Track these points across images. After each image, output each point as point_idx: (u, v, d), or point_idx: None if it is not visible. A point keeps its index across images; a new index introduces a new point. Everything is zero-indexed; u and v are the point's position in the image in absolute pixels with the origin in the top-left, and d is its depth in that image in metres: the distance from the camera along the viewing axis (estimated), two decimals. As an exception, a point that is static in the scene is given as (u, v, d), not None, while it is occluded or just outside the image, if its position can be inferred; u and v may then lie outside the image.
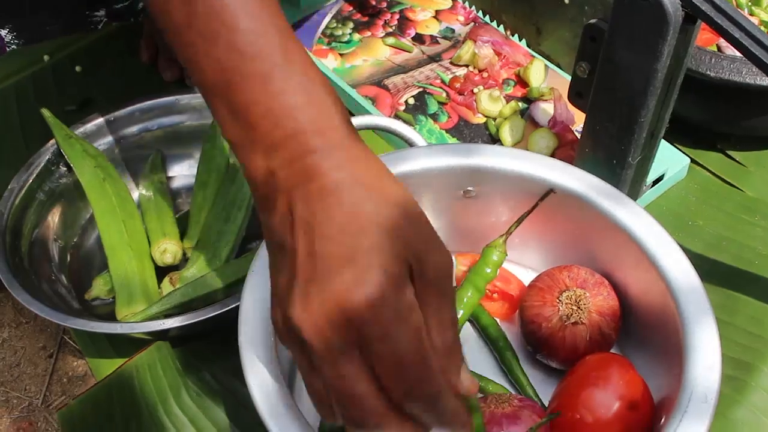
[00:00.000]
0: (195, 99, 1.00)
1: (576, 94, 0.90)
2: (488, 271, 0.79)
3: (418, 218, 0.58)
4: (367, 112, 1.06)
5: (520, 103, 1.05)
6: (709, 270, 0.95)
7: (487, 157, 0.81)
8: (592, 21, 0.84)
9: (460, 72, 1.10)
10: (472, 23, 1.16)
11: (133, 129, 1.01)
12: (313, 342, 0.54)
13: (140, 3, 0.83)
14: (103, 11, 0.83)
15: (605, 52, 0.83)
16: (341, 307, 0.53)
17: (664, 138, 0.92)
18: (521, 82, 1.08)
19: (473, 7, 1.01)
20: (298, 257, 0.56)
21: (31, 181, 0.93)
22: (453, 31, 1.15)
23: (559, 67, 0.94)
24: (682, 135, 1.07)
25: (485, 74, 1.09)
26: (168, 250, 0.90)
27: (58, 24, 0.82)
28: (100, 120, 0.99)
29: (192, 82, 0.71)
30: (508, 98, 1.06)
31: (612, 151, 0.88)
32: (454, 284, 0.64)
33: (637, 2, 0.77)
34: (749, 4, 1.15)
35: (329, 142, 0.57)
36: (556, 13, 0.91)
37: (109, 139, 1.00)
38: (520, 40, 0.97)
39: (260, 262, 0.72)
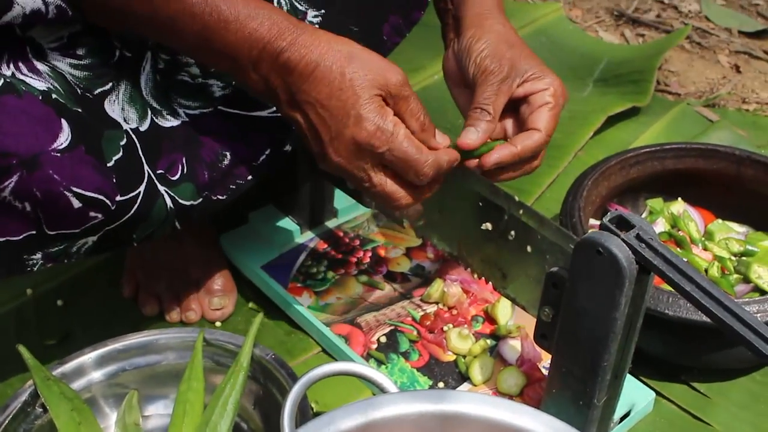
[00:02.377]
0: (173, 339, 1.03)
1: (541, 336, 0.94)
2: None
3: (368, 59, 0.85)
4: (341, 351, 1.09)
5: (488, 341, 1.09)
6: None
7: (456, 403, 0.83)
8: (554, 269, 0.89)
9: (431, 309, 1.14)
10: (441, 260, 1.21)
11: (111, 368, 1.02)
12: (353, 171, 0.88)
13: (74, 246, 0.88)
14: (40, 254, 0.88)
15: (567, 300, 0.87)
16: (356, 145, 0.86)
17: (629, 371, 0.95)
18: (489, 318, 1.12)
19: (441, 249, 1.06)
20: (316, 126, 0.86)
21: (6, 424, 0.93)
22: (423, 268, 1.21)
23: (525, 310, 0.98)
24: (647, 367, 1.11)
25: (454, 311, 1.13)
26: (141, 498, 0.89)
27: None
28: (78, 360, 1.00)
29: (185, 55, 0.92)
30: (477, 335, 1.10)
31: (578, 393, 0.90)
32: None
33: (593, 255, 0.82)
34: (703, 239, 1.22)
35: (288, 41, 0.83)
36: (520, 260, 0.96)
37: (87, 378, 1.01)
38: (487, 283, 1.01)
39: None
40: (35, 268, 0.88)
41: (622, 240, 0.81)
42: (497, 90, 0.99)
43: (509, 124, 1.04)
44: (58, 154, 0.81)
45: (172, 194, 0.92)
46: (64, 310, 1.23)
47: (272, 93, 0.87)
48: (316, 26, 0.93)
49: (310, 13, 0.94)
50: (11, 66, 0.80)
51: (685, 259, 1.15)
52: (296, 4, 0.93)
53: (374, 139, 0.85)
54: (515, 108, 1.03)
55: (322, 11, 0.94)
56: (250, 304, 1.22)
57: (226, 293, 1.20)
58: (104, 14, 0.84)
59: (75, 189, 0.83)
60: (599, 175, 1.20)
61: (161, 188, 0.91)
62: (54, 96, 0.81)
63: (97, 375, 1.02)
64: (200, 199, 0.95)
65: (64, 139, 0.81)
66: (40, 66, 0.82)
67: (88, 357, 1.02)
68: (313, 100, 0.85)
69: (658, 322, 1.02)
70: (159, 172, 0.91)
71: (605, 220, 0.82)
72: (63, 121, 0.81)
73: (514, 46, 1.02)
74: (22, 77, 0.80)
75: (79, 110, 0.84)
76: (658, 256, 0.81)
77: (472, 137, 0.96)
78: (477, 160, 0.97)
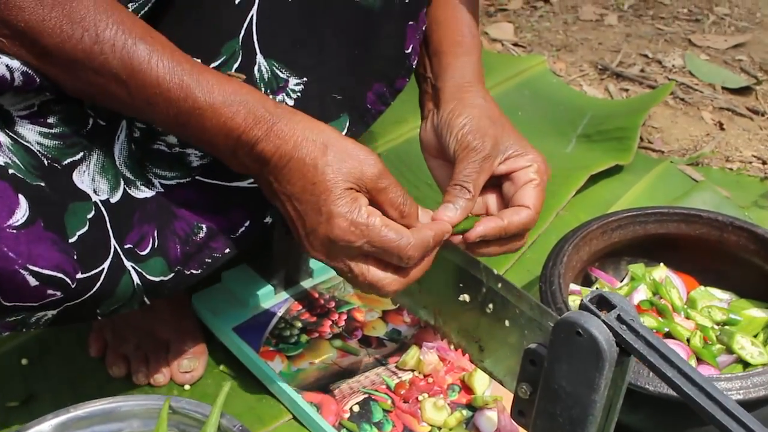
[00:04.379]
0: (137, 406, 0.99)
1: (518, 413, 0.91)
2: None
3: (343, 150, 0.84)
4: (312, 421, 1.05)
5: (464, 411, 1.06)
6: None
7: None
8: (532, 346, 0.86)
9: (406, 377, 1.11)
10: (418, 325, 1.18)
11: (72, 436, 0.99)
12: (333, 264, 0.87)
13: (32, 317, 0.85)
14: None
15: (545, 378, 0.84)
16: (331, 242, 0.84)
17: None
18: (466, 387, 1.09)
19: (418, 318, 1.03)
20: (293, 218, 0.86)
21: (-40, 496, 0.89)
22: (399, 333, 1.17)
23: (502, 384, 0.95)
24: (627, 441, 1.08)
25: (430, 379, 1.10)
26: None
27: None
28: (39, 428, 0.97)
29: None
30: (453, 405, 1.07)
31: (556, 473, 0.87)
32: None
33: (572, 336, 0.79)
34: (685, 307, 1.19)
35: (264, 130, 0.82)
36: (498, 334, 0.93)
37: (47, 447, 0.97)
38: (464, 355, 0.98)
39: None
40: None
41: (603, 321, 0.78)
42: (479, 168, 0.97)
43: (492, 200, 1.02)
44: (14, 231, 0.77)
45: (139, 270, 0.88)
46: (29, 369, 1.19)
47: (253, 177, 0.87)
48: (298, 95, 0.91)
49: (292, 80, 0.91)
50: None
51: (667, 328, 1.13)
52: (277, 71, 0.90)
53: (349, 235, 0.83)
54: (497, 184, 1.01)
55: (304, 79, 0.91)
56: (221, 367, 1.18)
57: (196, 355, 1.17)
58: (82, 93, 0.81)
59: (32, 267, 0.79)
60: (580, 240, 1.17)
61: (127, 264, 0.87)
62: (11, 171, 0.78)
63: (57, 443, 0.98)
64: (172, 275, 0.91)
65: (21, 215, 0.78)
66: (1, 137, 0.78)
67: (49, 424, 0.98)
68: (288, 192, 0.84)
69: (638, 397, 0.99)
70: (127, 246, 0.87)
71: (585, 299, 0.80)
72: (20, 196, 0.78)
73: (496, 122, 0.99)
74: None
75: (42, 184, 0.80)
76: (639, 339, 0.78)
77: (449, 214, 0.93)
78: (460, 236, 0.94)
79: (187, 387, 1.16)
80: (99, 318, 0.90)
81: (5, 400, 1.14)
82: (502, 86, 1.86)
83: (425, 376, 1.11)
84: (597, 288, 1.21)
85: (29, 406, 1.13)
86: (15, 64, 0.76)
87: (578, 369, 0.80)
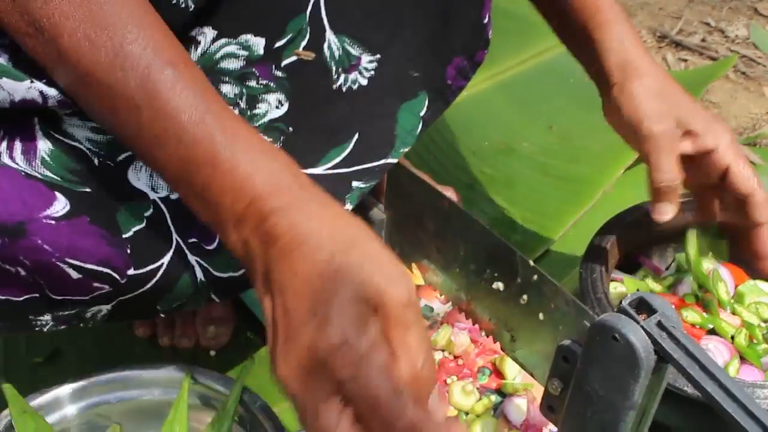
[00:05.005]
0: (159, 374, 0.98)
1: (548, 408, 0.87)
2: None
3: (373, 255, 0.64)
4: (336, 399, 1.03)
5: (493, 397, 1.03)
6: None
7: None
8: (566, 342, 0.83)
9: (436, 357, 1.08)
10: (452, 304, 1.14)
11: (92, 401, 0.97)
12: (297, 395, 0.61)
13: (87, 312, 0.82)
14: (49, 316, 0.81)
15: (577, 378, 0.81)
16: (310, 356, 0.60)
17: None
18: (497, 371, 1.06)
19: (449, 299, 1.00)
20: (277, 319, 0.64)
21: (-23, 456, 0.89)
22: (432, 309, 1.14)
23: (532, 376, 0.92)
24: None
25: (460, 361, 1.07)
26: None
27: (3, 325, 0.81)
28: (59, 391, 0.96)
29: (163, 180, 0.76)
30: (482, 389, 1.04)
31: (583, 475, 0.84)
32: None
33: (608, 341, 0.75)
34: (732, 301, 1.14)
35: (283, 202, 0.66)
36: (531, 326, 0.89)
37: (66, 410, 0.96)
38: (495, 342, 0.95)
39: None
40: (45, 329, 0.81)
41: (641, 327, 0.74)
42: (672, 158, 1.00)
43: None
44: (53, 222, 0.73)
45: (205, 265, 0.81)
46: (55, 325, 1.18)
47: (250, 261, 0.68)
48: (372, 73, 0.83)
49: (365, 58, 0.82)
50: (4, 143, 0.73)
51: (711, 324, 1.08)
52: (349, 48, 0.81)
53: (336, 357, 0.60)
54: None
55: (378, 56, 0.83)
56: (248, 334, 1.16)
57: (224, 321, 1.15)
58: (89, 112, 0.72)
59: (70, 261, 0.75)
60: (626, 226, 1.13)
61: (191, 259, 0.81)
62: (41, 177, 0.74)
63: (77, 407, 0.97)
64: (242, 270, 0.82)
65: (60, 207, 0.73)
66: (40, 144, 0.74)
67: (70, 387, 0.97)
68: (286, 284, 0.64)
69: (676, 397, 0.95)
70: (192, 240, 0.80)
71: (624, 302, 0.75)
72: (56, 192, 0.74)
73: (674, 94, 1.02)
74: (6, 161, 0.73)
75: (87, 190, 0.75)
76: (679, 348, 0.74)
77: (668, 217, 1.04)
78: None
79: (212, 353, 1.14)
80: (162, 315, 0.85)
81: (31, 356, 1.13)
82: (555, 51, 1.78)
83: (455, 357, 1.08)
84: (641, 277, 1.16)
85: (54, 363, 1.13)
86: (51, 92, 0.70)
87: (613, 374, 0.77)
